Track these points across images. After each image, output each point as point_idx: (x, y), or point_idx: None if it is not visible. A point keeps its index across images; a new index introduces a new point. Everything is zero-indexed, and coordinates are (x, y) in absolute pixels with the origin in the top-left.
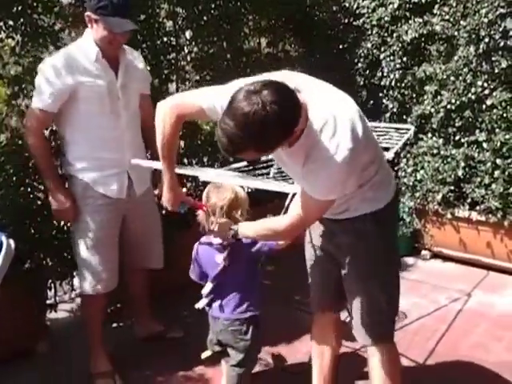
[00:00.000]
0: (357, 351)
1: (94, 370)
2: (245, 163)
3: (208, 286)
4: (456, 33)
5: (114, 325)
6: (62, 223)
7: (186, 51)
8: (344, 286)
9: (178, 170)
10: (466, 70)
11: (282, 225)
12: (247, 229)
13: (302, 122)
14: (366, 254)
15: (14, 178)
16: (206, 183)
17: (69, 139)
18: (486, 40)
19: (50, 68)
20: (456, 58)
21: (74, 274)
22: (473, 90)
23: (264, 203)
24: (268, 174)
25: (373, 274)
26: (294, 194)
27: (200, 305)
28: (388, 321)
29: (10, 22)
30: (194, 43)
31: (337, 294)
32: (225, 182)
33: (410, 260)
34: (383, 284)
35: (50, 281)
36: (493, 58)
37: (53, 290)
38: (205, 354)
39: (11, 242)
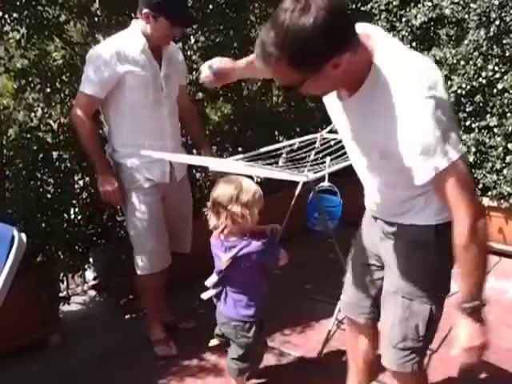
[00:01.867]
0: None
1: (153, 337)
2: (254, 153)
3: (212, 278)
4: (466, 16)
5: (127, 316)
6: (73, 216)
7: (193, 40)
8: (381, 297)
9: (188, 161)
10: (476, 53)
11: (465, 227)
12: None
13: (357, 53)
14: (418, 268)
15: (24, 172)
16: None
17: (114, 126)
18: (497, 23)
19: (99, 55)
20: (466, 41)
21: (86, 267)
22: (483, 74)
23: (273, 193)
24: (277, 163)
25: (420, 293)
26: (304, 183)
27: (205, 295)
28: (422, 349)
29: (15, 15)
30: (200, 32)
31: (375, 301)
32: (234, 172)
33: None
34: (427, 308)
35: (62, 274)
36: (503, 41)
37: (65, 283)
38: (212, 343)
39: (23, 235)
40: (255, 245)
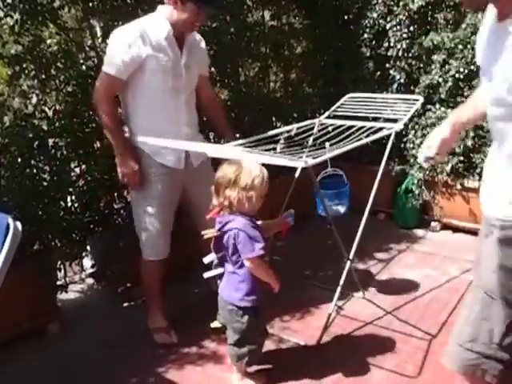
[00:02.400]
0: None
1: (152, 325)
2: (252, 138)
3: (210, 256)
4: None
5: (125, 304)
6: (70, 204)
7: None
8: None
9: (186, 147)
10: (474, 37)
11: None
12: None
13: None
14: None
15: (19, 160)
16: (213, 159)
17: (131, 109)
18: None
19: (123, 36)
20: (464, 25)
21: (83, 255)
22: None
23: (272, 179)
24: (275, 149)
25: (506, 294)
26: (303, 168)
27: (206, 274)
28: (493, 358)
29: (9, 0)
30: None
31: None
32: (232, 157)
33: (419, 232)
34: (508, 314)
35: (60, 262)
36: None
37: (63, 271)
38: (214, 324)
39: (18, 224)
40: (240, 221)
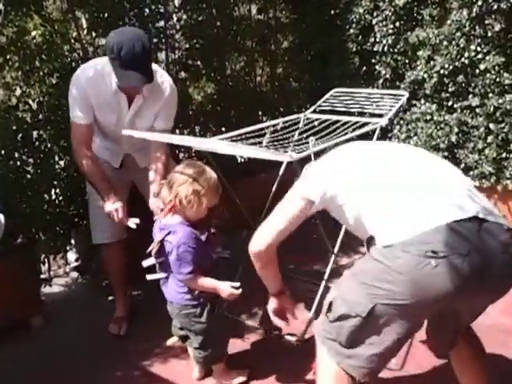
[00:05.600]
0: None
1: (113, 314)
2: (237, 132)
3: (149, 260)
4: None
5: (110, 298)
6: (54, 197)
7: (175, 19)
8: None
9: (171, 140)
10: (458, 34)
11: None
12: None
13: None
14: None
15: (3, 152)
16: (198, 153)
17: None
18: (480, 3)
19: (78, 80)
20: (449, 22)
21: (68, 248)
22: (466, 54)
23: (255, 174)
24: (261, 142)
25: None
26: (288, 163)
27: (149, 277)
28: None
29: None
30: (182, 11)
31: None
32: (218, 151)
33: None
34: None
35: (44, 255)
36: (486, 22)
37: (47, 265)
38: (170, 341)
39: (1, 216)
40: (179, 235)
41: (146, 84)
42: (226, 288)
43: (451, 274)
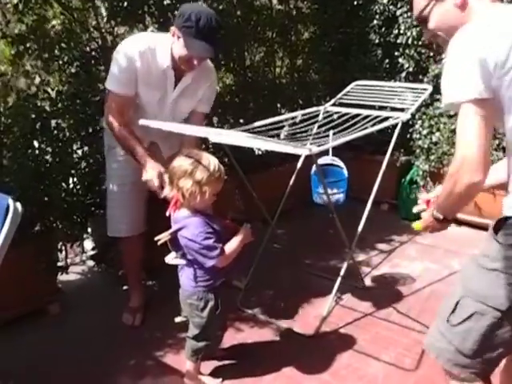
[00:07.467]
0: None
1: (128, 303)
2: (256, 124)
3: (171, 255)
4: None
5: (125, 287)
6: (72, 186)
7: None
8: None
9: (187, 131)
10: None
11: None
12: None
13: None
14: None
15: (22, 141)
16: (216, 145)
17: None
18: None
19: (125, 54)
20: None
21: (84, 236)
22: None
23: (275, 166)
24: (279, 135)
25: None
26: (306, 156)
27: (167, 259)
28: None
29: None
30: (202, 0)
31: None
32: (236, 143)
33: None
34: None
35: (61, 243)
36: None
37: (63, 253)
38: (178, 319)
39: (18, 205)
40: (193, 228)
41: (211, 57)
42: (247, 234)
43: None
